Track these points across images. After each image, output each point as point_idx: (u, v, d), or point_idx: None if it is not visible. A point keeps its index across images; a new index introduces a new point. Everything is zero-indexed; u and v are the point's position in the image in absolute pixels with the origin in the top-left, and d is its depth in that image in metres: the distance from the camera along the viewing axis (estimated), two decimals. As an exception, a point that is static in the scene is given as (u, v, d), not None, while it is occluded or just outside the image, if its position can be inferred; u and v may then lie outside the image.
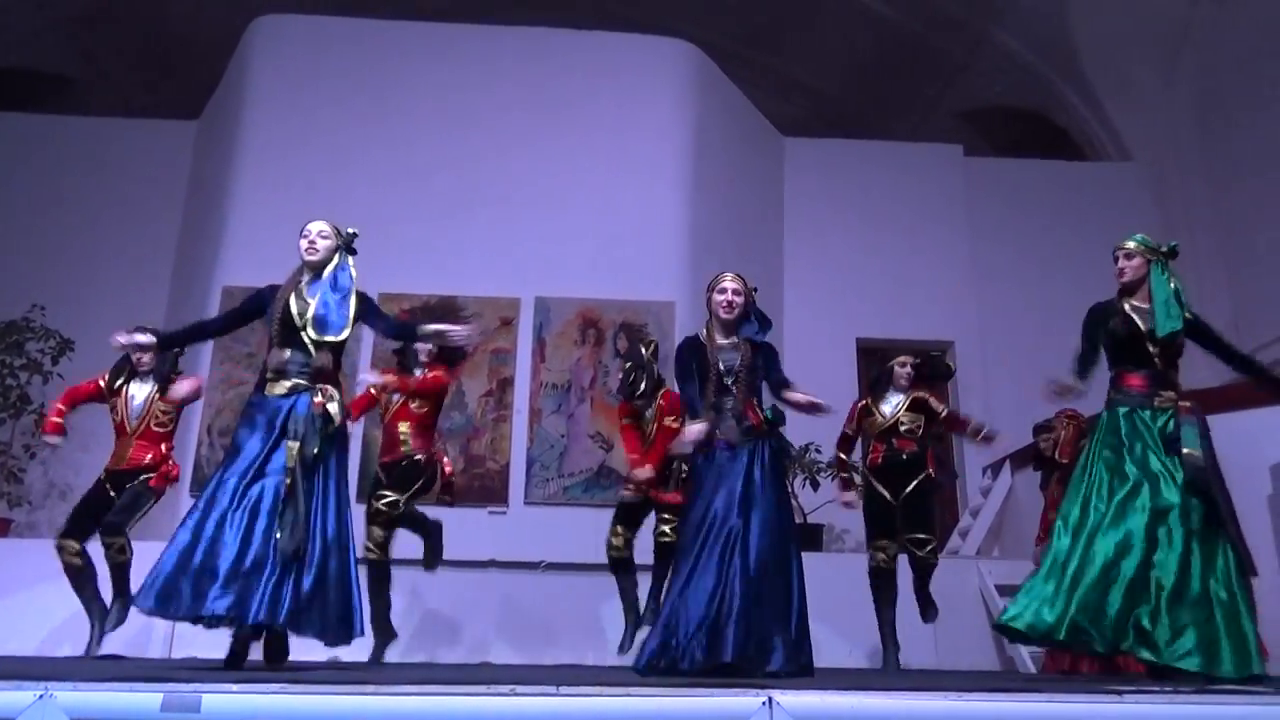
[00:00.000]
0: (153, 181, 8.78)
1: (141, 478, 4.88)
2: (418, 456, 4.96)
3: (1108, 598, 3.48)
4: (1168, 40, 9.44)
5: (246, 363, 7.01)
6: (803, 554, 3.61)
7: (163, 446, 4.97)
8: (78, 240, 8.47)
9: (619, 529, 4.95)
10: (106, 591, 4.88)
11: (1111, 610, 3.47)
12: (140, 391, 5.00)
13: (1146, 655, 3.48)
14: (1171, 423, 3.70)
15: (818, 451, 7.15)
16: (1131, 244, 3.89)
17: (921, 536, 4.99)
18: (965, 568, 6.76)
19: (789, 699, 2.44)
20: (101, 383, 5.03)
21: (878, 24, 10.51)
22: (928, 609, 5.16)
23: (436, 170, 7.77)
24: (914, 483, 5.02)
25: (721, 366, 3.64)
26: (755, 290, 3.84)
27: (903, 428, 5.07)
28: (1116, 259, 3.90)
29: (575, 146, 7.93)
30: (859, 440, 5.41)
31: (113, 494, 4.88)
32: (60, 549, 4.79)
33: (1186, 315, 3.78)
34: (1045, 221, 9.42)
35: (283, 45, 8.13)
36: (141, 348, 3.88)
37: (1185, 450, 3.62)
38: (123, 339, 3.95)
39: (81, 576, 4.86)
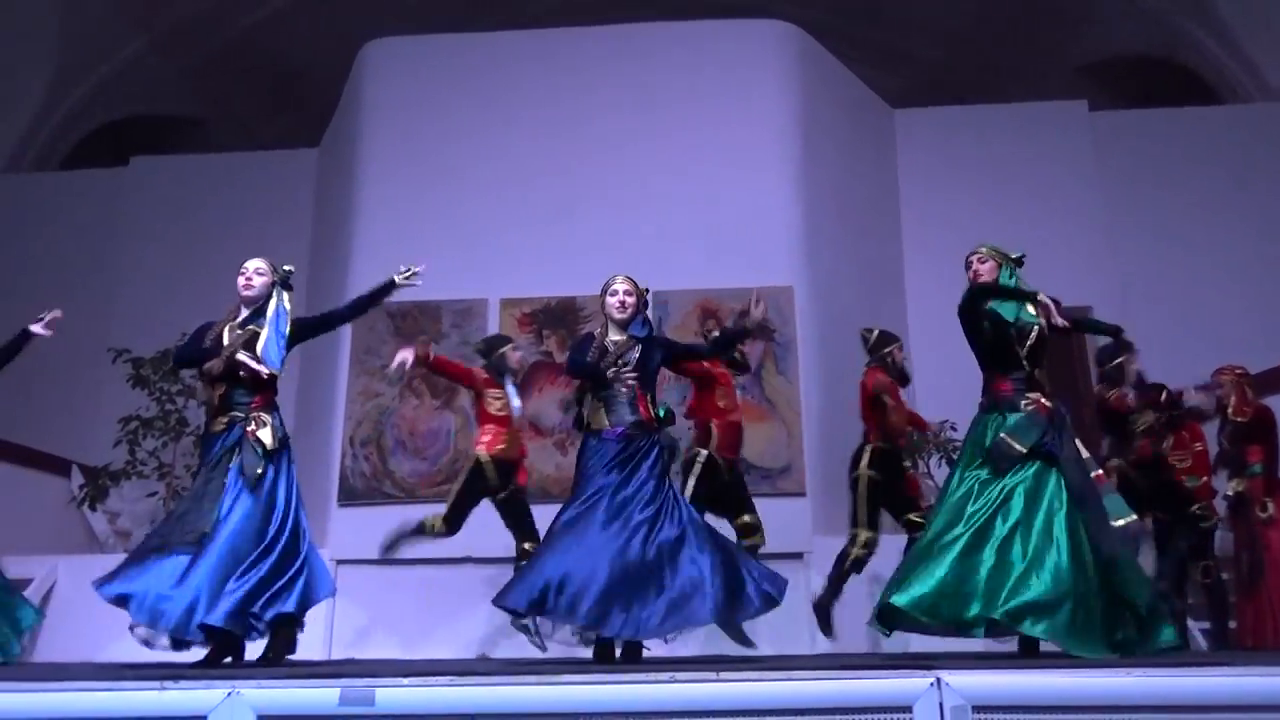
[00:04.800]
0: (280, 209, 9.20)
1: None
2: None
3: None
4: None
5: (380, 375, 7.25)
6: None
7: None
8: (218, 270, 8.89)
9: None
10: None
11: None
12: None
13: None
14: None
15: (953, 429, 6.92)
16: (984, 249, 4.12)
17: None
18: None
19: (957, 679, 2.38)
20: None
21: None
22: None
23: (548, 174, 7.86)
24: None
25: (615, 361, 4.00)
26: (648, 290, 4.28)
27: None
28: (969, 264, 4.11)
29: (683, 137, 7.88)
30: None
31: None
32: None
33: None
34: (1183, 172, 8.84)
35: (392, 67, 8.37)
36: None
37: (1001, 434, 3.71)
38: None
39: None
